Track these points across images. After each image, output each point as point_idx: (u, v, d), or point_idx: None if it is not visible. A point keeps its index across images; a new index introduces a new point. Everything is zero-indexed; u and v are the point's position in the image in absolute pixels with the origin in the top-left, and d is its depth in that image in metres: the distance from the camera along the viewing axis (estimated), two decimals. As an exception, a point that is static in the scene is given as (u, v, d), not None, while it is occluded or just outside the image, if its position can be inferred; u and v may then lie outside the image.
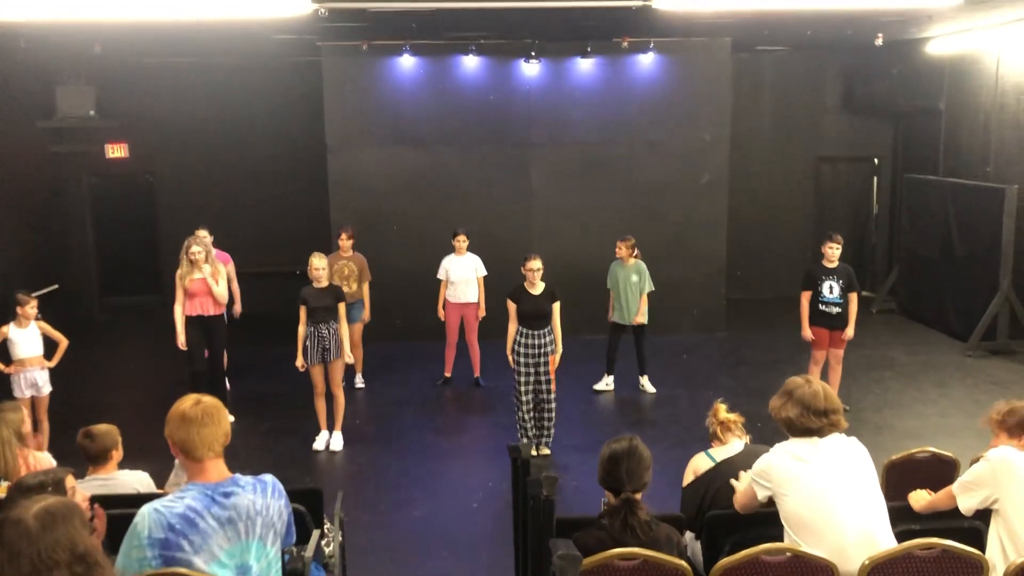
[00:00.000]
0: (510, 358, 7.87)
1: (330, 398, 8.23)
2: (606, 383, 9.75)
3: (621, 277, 9.48)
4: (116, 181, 13.69)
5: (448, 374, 10.05)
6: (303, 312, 7.93)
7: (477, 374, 9.99)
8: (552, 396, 7.87)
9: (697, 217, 12.06)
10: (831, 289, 8.40)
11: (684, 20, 9.52)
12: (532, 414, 7.87)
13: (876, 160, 14.50)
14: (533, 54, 11.46)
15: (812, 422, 3.68)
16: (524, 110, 11.82)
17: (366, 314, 9.72)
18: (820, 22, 10.04)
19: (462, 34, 11.07)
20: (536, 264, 7.89)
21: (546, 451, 7.92)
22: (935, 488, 4.41)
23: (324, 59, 11.52)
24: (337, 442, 8.25)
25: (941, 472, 4.98)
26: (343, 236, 9.66)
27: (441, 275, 9.84)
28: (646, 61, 11.78)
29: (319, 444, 8.17)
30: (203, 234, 9.16)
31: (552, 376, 7.85)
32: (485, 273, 9.81)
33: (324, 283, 8.05)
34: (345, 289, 9.45)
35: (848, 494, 3.61)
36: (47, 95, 12.26)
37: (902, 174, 13.83)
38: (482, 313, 9.82)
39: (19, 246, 12.21)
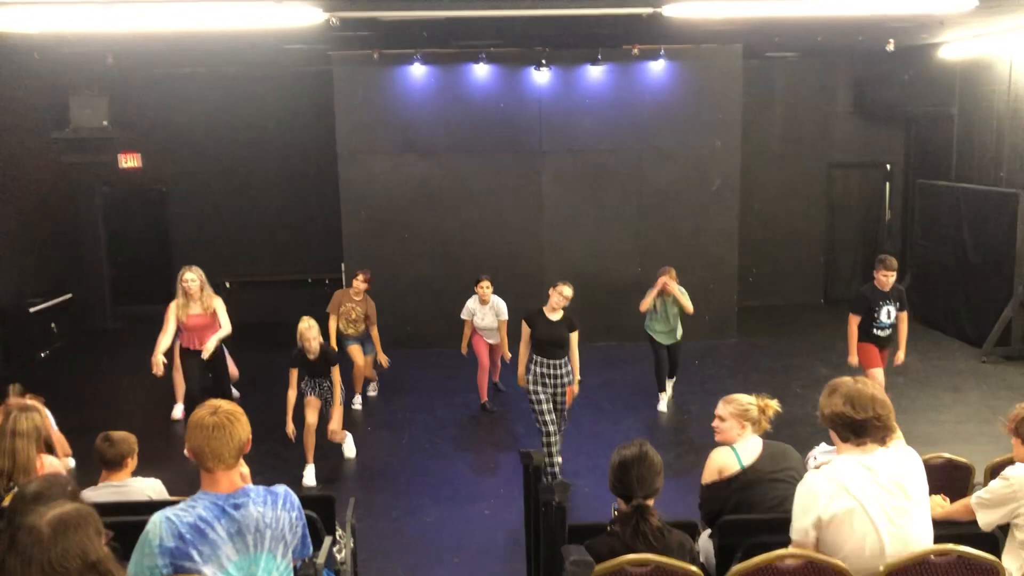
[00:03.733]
0: (522, 380, 7.38)
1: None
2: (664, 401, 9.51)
3: (661, 302, 9.23)
4: (129, 191, 13.75)
5: (484, 399, 9.52)
6: (293, 375, 7.57)
7: (496, 378, 9.86)
8: (563, 428, 7.50)
9: (709, 224, 12.04)
10: (888, 314, 7.98)
11: (694, 27, 9.52)
12: (557, 447, 7.35)
13: (888, 166, 14.44)
14: (544, 62, 11.47)
15: (856, 414, 3.43)
16: (535, 118, 11.83)
17: (382, 358, 9.43)
18: (831, 28, 10.02)
19: (472, 42, 11.09)
20: (568, 291, 7.36)
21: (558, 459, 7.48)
22: (950, 494, 4.39)
23: (335, 68, 11.57)
24: (350, 449, 8.23)
25: (956, 478, 4.95)
26: (360, 278, 9.39)
27: (465, 315, 9.44)
28: (657, 68, 11.78)
29: (309, 479, 7.64)
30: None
31: (567, 407, 7.48)
32: (506, 317, 9.31)
33: (315, 354, 7.59)
34: (351, 331, 9.38)
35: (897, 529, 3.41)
36: (61, 106, 12.34)
37: (914, 180, 13.77)
38: (507, 356, 9.34)
39: (33, 256, 12.29)
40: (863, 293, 8.17)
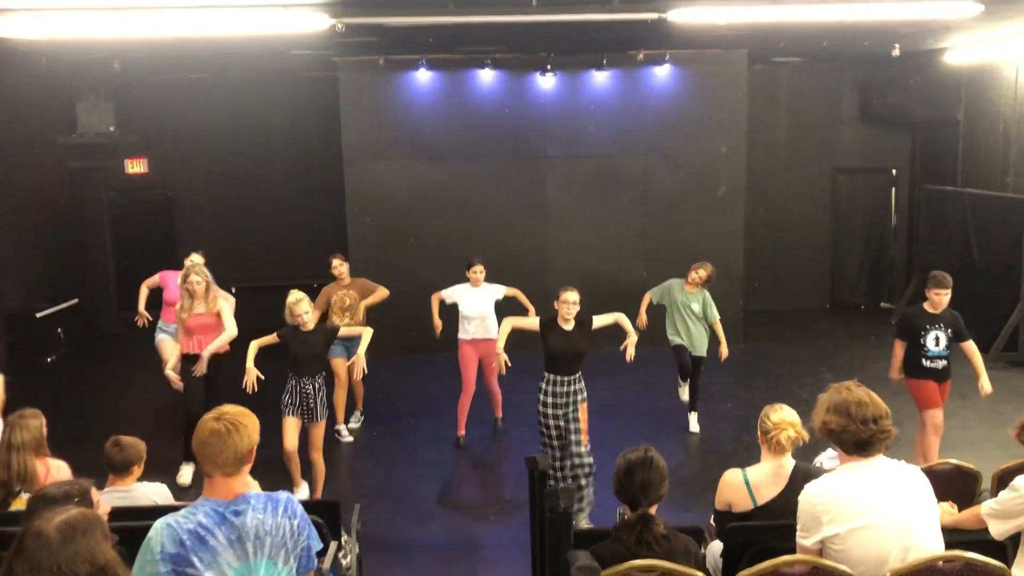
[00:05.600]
0: (501, 351, 6.85)
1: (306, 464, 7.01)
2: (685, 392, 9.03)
3: (678, 301, 8.67)
4: (135, 196, 13.80)
5: (462, 432, 8.60)
6: (271, 337, 6.81)
7: (499, 414, 9.02)
8: (585, 451, 6.66)
9: (713, 229, 12.03)
10: (937, 341, 7.01)
11: (699, 32, 9.52)
12: (563, 472, 6.68)
13: (894, 171, 14.43)
14: (549, 67, 11.49)
15: (861, 431, 3.41)
16: (540, 123, 11.84)
17: (360, 332, 7.83)
18: (836, 33, 10.02)
19: (478, 48, 11.11)
20: (573, 296, 6.80)
21: (586, 523, 6.57)
22: (957, 501, 4.37)
23: (341, 74, 11.59)
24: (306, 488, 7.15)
25: (963, 484, 4.93)
26: (337, 262, 8.71)
27: (446, 297, 8.68)
28: (662, 73, 11.78)
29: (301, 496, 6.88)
30: (197, 260, 8.17)
31: (583, 427, 6.73)
32: (504, 294, 8.64)
33: (310, 325, 6.83)
34: (347, 321, 8.50)
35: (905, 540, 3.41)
36: (67, 111, 12.39)
37: (920, 185, 13.76)
38: (530, 310, 8.52)
39: (39, 261, 12.32)
40: (906, 314, 7.37)
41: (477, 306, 8.50)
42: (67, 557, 2.53)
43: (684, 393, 9.04)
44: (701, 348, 8.73)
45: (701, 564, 3.72)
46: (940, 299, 7.05)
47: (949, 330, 7.04)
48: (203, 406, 7.34)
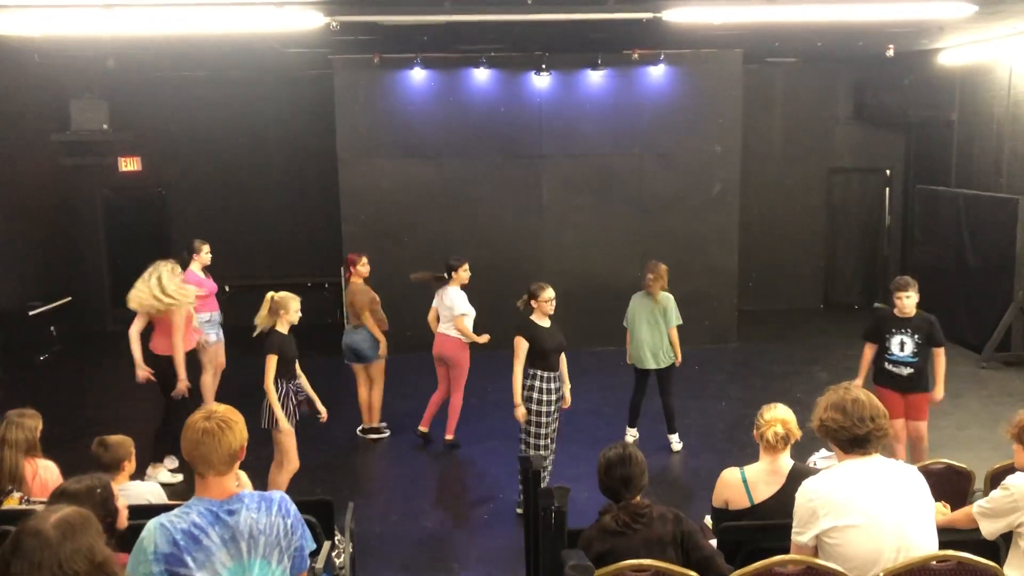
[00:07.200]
0: (518, 400, 6.68)
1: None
2: (632, 435, 8.45)
3: (648, 311, 8.07)
4: (129, 194, 13.76)
5: (450, 436, 8.43)
6: (272, 363, 6.42)
7: (445, 431, 8.54)
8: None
9: (708, 229, 12.04)
10: (902, 345, 6.73)
11: (694, 32, 9.53)
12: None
13: (888, 171, 14.45)
14: (544, 66, 11.49)
15: (858, 428, 3.44)
16: (535, 122, 11.84)
17: (382, 348, 8.62)
18: (831, 33, 10.04)
19: (473, 47, 11.10)
20: (552, 291, 6.85)
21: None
22: (950, 500, 4.38)
23: (336, 72, 11.58)
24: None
25: (956, 484, 4.95)
26: (364, 259, 8.79)
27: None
28: (657, 73, 11.79)
29: None
30: (204, 248, 8.76)
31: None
32: (461, 312, 8.34)
33: (269, 327, 6.64)
34: (352, 323, 8.69)
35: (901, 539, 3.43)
36: (61, 109, 12.34)
37: (914, 185, 13.78)
38: (483, 338, 8.26)
39: (33, 259, 12.28)
40: (875, 315, 7.03)
41: (446, 302, 8.46)
42: (67, 555, 2.54)
43: (631, 434, 8.45)
44: (667, 358, 8.16)
45: (680, 525, 3.79)
46: (902, 302, 6.72)
47: (917, 336, 6.73)
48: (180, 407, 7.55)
